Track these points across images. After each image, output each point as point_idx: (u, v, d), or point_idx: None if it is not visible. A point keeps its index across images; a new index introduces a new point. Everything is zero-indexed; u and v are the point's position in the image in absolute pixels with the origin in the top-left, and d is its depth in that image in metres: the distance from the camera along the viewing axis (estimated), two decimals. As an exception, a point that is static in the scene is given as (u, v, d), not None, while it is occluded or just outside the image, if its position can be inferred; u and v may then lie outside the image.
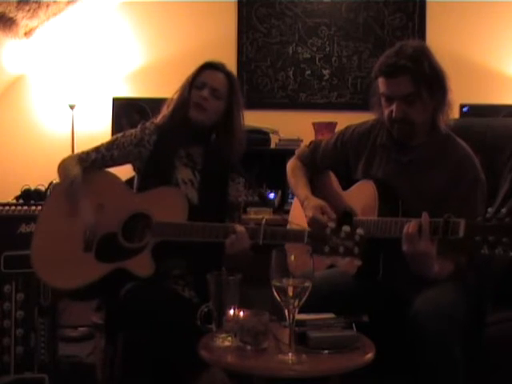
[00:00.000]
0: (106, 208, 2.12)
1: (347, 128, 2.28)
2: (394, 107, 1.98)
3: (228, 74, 2.24)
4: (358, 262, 1.80)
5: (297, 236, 1.89)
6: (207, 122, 2.20)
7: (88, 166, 2.20)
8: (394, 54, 1.97)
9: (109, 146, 2.23)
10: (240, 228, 1.95)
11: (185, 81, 2.25)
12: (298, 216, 2.23)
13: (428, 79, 1.95)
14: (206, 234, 1.98)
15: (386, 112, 2.01)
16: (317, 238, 1.81)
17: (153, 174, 2.19)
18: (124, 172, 2.31)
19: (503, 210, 1.68)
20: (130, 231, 2.09)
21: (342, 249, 1.76)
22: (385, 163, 2.11)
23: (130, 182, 2.32)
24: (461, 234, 1.75)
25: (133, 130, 2.26)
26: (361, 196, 2.09)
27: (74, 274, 2.04)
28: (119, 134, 2.27)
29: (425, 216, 1.79)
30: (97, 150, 2.23)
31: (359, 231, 1.76)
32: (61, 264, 2.07)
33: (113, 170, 2.26)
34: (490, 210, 1.72)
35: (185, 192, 2.16)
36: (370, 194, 2.03)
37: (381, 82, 2.00)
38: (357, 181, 2.15)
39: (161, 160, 2.20)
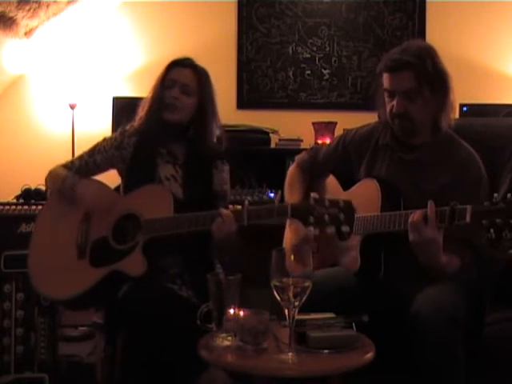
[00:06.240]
0: (95, 214, 2.14)
1: (348, 131, 2.29)
2: (395, 102, 2.00)
3: (195, 68, 2.24)
4: (345, 229, 1.79)
5: (281, 211, 1.89)
6: (183, 120, 2.22)
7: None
8: (399, 51, 2.01)
9: (91, 152, 2.27)
10: (225, 211, 1.96)
11: (155, 81, 2.26)
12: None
13: (430, 77, 1.97)
14: (193, 224, 1.98)
15: (388, 108, 2.03)
16: (301, 209, 1.81)
17: (135, 174, 2.21)
18: (111, 180, 2.31)
19: (509, 195, 1.67)
20: (122, 233, 2.09)
21: (327, 217, 1.75)
22: (388, 163, 2.11)
23: (117, 190, 2.32)
24: (468, 219, 1.74)
25: (113, 134, 2.31)
26: (363, 194, 2.09)
27: (71, 283, 2.05)
28: (100, 140, 2.30)
29: (430, 204, 1.79)
30: (80, 157, 2.28)
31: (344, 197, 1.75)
32: (58, 276, 2.08)
33: (100, 177, 2.28)
34: (495, 195, 1.72)
35: (169, 188, 2.17)
36: (373, 191, 2.03)
37: (385, 77, 2.03)
38: (359, 181, 2.15)
39: (142, 159, 2.22)
